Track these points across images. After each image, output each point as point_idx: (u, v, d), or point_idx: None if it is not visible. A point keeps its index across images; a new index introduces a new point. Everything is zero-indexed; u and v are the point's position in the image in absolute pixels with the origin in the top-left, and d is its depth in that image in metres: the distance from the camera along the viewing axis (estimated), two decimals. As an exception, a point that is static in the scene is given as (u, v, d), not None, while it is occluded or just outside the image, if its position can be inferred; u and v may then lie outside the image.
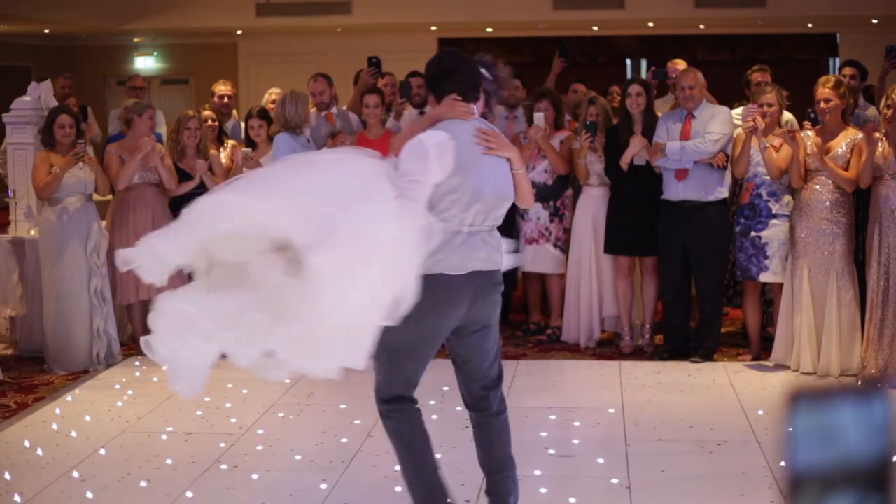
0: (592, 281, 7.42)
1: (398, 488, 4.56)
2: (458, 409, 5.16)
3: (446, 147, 3.88)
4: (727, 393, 6.31)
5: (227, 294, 3.67)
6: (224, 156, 7.67)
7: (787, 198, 6.79)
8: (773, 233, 6.78)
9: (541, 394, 6.31)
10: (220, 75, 9.75)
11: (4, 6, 12.61)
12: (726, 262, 7.18)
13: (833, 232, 6.50)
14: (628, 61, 16.31)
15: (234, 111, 8.75)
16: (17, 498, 4.70)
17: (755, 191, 6.84)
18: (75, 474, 5.01)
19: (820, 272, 6.52)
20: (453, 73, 4.08)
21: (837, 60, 14.96)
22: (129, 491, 4.83)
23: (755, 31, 15.20)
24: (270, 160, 7.14)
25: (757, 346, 7.05)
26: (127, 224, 7.19)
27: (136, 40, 16.51)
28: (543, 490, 4.73)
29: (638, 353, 7.30)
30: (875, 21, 13.92)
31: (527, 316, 8.03)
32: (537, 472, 4.90)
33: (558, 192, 7.58)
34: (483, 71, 4.11)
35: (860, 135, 6.45)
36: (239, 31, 15.52)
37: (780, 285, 6.79)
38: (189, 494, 4.75)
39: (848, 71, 7.60)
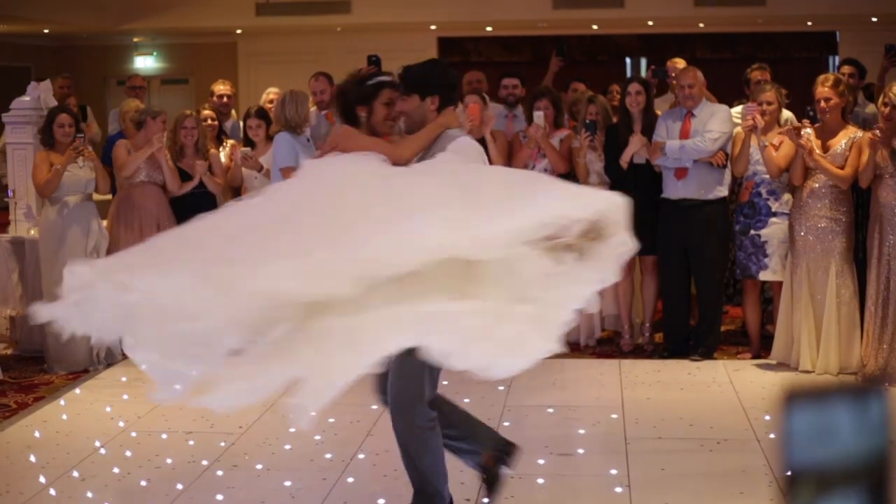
0: (592, 279, 7.41)
1: (398, 487, 4.56)
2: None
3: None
4: (727, 391, 6.31)
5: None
6: (223, 155, 7.67)
7: (787, 196, 6.79)
8: (773, 231, 6.78)
9: (541, 392, 6.31)
10: (220, 75, 9.74)
11: (4, 6, 12.60)
12: (726, 261, 7.18)
13: (832, 230, 6.50)
14: (628, 60, 16.30)
15: (234, 111, 8.75)
16: (17, 497, 4.70)
17: (754, 189, 6.84)
18: (75, 474, 5.02)
19: (819, 270, 6.52)
20: (457, 86, 4.18)
21: (837, 59, 14.95)
22: (129, 490, 4.83)
23: (755, 30, 15.19)
24: (269, 159, 7.15)
25: (757, 344, 7.06)
26: (132, 222, 7.21)
27: (135, 40, 16.51)
28: (543, 488, 4.73)
29: (638, 352, 7.31)
30: (875, 19, 13.91)
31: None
32: (537, 471, 4.91)
33: (558, 191, 7.57)
34: None
35: (860, 133, 6.45)
36: (238, 31, 15.51)
37: (780, 283, 6.79)
38: (189, 494, 4.75)
39: (846, 69, 7.61)
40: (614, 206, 3.62)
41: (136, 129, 7.42)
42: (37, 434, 5.65)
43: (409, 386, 3.96)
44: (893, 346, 6.27)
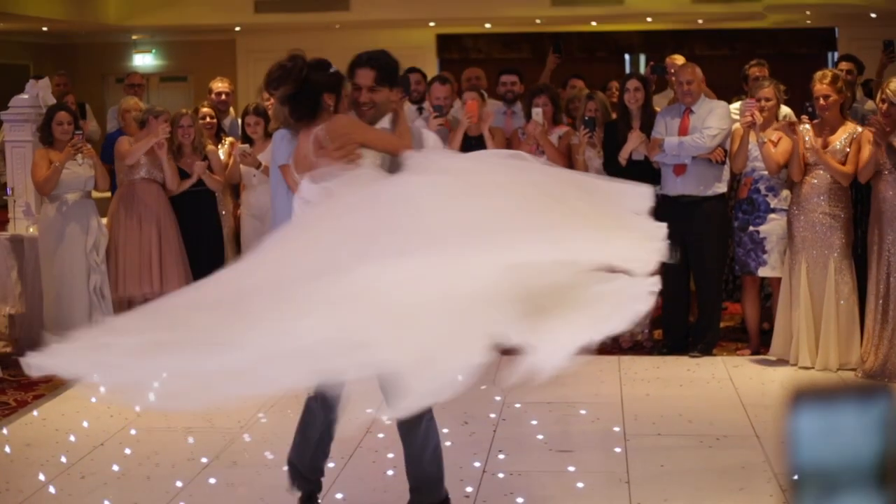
0: (591, 276, 7.41)
1: (397, 484, 4.56)
2: (456, 404, 5.15)
3: None
4: (726, 387, 6.32)
5: None
6: (222, 152, 7.67)
7: (785, 192, 6.79)
8: (772, 227, 6.79)
9: (540, 389, 6.28)
10: (219, 72, 9.72)
11: (3, 4, 12.59)
12: (725, 257, 7.18)
13: (831, 226, 6.50)
14: (627, 56, 16.31)
15: (232, 109, 8.74)
16: (17, 495, 4.70)
17: (753, 185, 6.84)
18: (75, 471, 5.02)
19: (818, 266, 6.52)
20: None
21: (836, 55, 14.95)
22: (129, 487, 4.83)
23: (753, 26, 15.19)
24: (268, 156, 7.14)
25: (756, 340, 7.06)
26: (132, 219, 7.21)
27: (134, 38, 16.50)
28: (543, 485, 4.73)
29: (637, 348, 7.31)
30: (873, 15, 13.91)
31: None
32: (536, 468, 4.91)
33: (557, 188, 7.57)
34: None
35: (859, 129, 6.46)
36: (237, 28, 15.51)
37: (779, 279, 6.80)
38: (188, 491, 4.75)
39: (844, 65, 7.61)
40: (644, 263, 3.62)
41: (139, 127, 7.41)
42: (37, 432, 5.65)
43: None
44: (893, 343, 6.28)
